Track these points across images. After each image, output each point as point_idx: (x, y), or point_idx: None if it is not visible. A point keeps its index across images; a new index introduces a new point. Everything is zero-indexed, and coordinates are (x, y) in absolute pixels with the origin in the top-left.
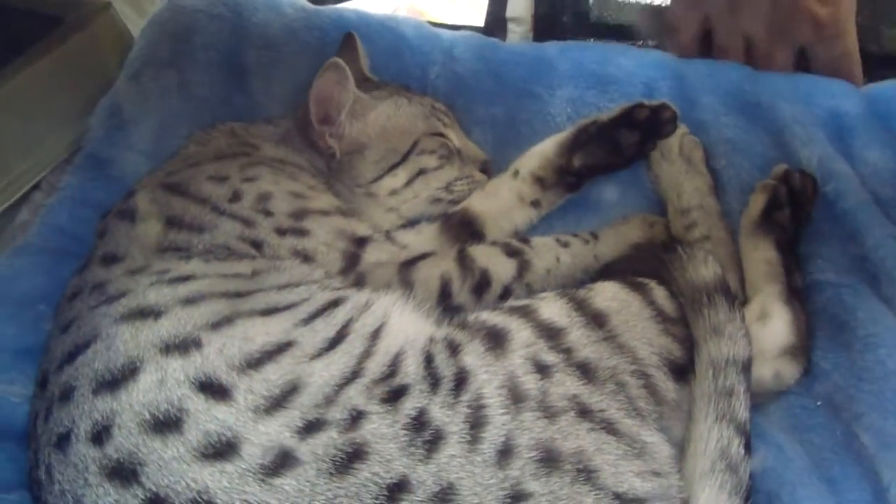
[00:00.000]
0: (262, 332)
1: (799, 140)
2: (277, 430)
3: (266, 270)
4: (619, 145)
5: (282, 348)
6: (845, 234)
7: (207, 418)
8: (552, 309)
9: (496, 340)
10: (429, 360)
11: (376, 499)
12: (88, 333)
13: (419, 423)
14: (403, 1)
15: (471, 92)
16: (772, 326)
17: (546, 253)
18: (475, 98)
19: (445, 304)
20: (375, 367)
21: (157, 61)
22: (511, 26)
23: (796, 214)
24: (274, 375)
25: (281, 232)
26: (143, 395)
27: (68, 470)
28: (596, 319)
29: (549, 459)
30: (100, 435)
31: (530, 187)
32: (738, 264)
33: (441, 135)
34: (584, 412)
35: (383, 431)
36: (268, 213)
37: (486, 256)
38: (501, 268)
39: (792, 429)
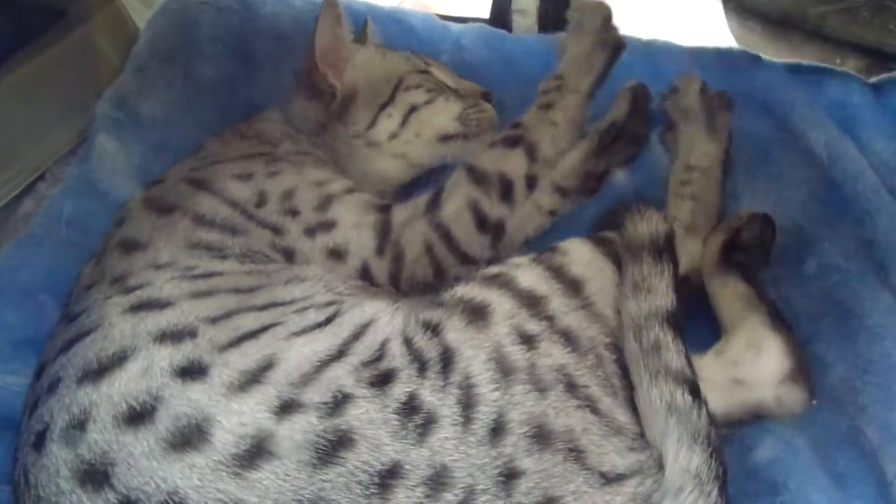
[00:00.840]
0: (252, 321)
1: (807, 122)
2: (252, 409)
3: (282, 270)
4: (639, 135)
5: (266, 328)
6: (853, 217)
7: (180, 402)
8: (529, 277)
9: (477, 314)
10: (408, 342)
11: (367, 489)
12: (93, 322)
13: (410, 407)
14: None
15: (480, 78)
16: (766, 356)
17: (541, 128)
18: (484, 84)
19: (484, 227)
20: (363, 349)
21: (163, 53)
22: (516, 18)
23: (756, 255)
24: (252, 349)
25: (310, 232)
26: (124, 384)
27: (42, 474)
28: (573, 286)
29: (541, 436)
30: (74, 432)
31: (550, 197)
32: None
33: (426, 72)
34: (570, 386)
35: (372, 416)
36: (294, 213)
37: (493, 160)
38: (513, 162)
39: (798, 423)
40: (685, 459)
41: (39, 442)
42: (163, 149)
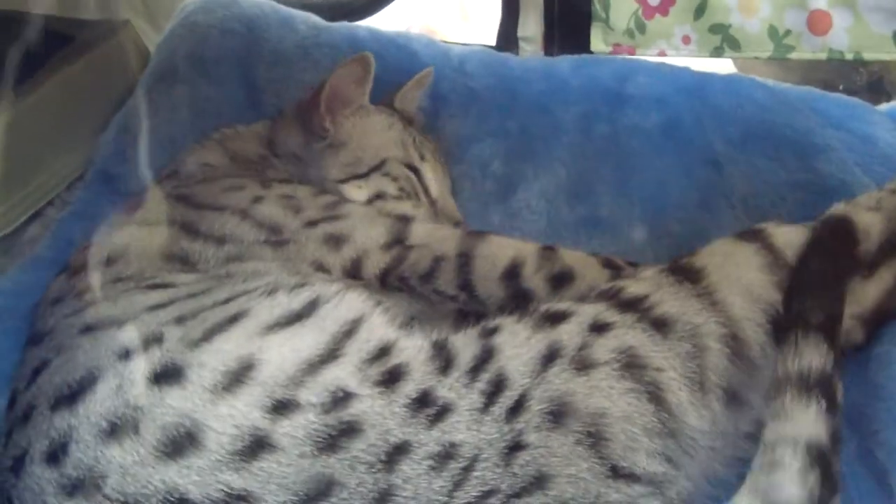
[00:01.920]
0: (219, 313)
1: (827, 162)
2: (243, 410)
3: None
4: None
5: (234, 318)
6: None
7: (163, 410)
8: (641, 286)
9: (551, 319)
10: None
11: (372, 466)
12: (54, 347)
13: (422, 402)
14: (416, 19)
15: (484, 104)
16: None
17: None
18: (488, 110)
19: (508, 285)
20: (359, 346)
21: (169, 77)
22: (522, 45)
23: None
24: (225, 345)
25: (312, 224)
26: (100, 404)
27: (26, 494)
28: (691, 276)
29: (559, 413)
30: (56, 454)
31: None
32: None
33: (415, 169)
34: (630, 366)
35: (378, 410)
36: (297, 210)
37: (576, 258)
38: (590, 272)
39: None
40: None
41: (18, 466)
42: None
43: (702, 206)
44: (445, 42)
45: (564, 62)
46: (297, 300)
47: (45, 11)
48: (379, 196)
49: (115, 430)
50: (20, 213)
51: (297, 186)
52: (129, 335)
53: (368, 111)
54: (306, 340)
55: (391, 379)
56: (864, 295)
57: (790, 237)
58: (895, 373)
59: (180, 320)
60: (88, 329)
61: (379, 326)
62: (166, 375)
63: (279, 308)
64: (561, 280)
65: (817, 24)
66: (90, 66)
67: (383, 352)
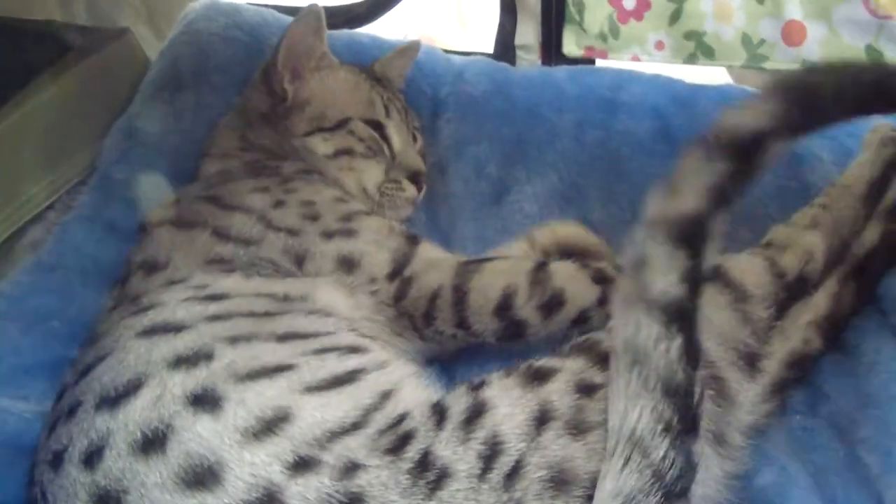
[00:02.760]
0: (271, 353)
1: (811, 173)
2: (264, 462)
3: (298, 297)
4: None
5: (283, 369)
6: None
7: (191, 436)
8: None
9: (537, 377)
10: (437, 406)
11: None
12: (108, 346)
13: (423, 465)
14: (415, 29)
15: (481, 110)
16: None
17: None
18: (485, 116)
19: (502, 317)
20: (382, 419)
21: (173, 84)
22: (520, 53)
23: None
24: (268, 391)
25: (328, 235)
26: (139, 413)
27: (60, 493)
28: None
29: (559, 481)
30: (92, 457)
31: None
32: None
33: (379, 125)
34: None
35: (384, 480)
36: (315, 218)
37: (566, 277)
38: (581, 292)
39: (795, 450)
40: (621, 418)
41: (57, 462)
42: (173, 178)
43: None
44: (446, 51)
45: (561, 71)
46: (344, 366)
47: (45, 18)
48: (346, 152)
49: (146, 443)
50: (21, 215)
51: (320, 189)
52: (184, 344)
53: (334, 67)
54: (342, 407)
55: (400, 445)
56: (815, 303)
57: (744, 266)
58: (886, 381)
59: (234, 341)
60: (146, 333)
61: (408, 394)
62: (204, 401)
63: (325, 371)
64: (552, 306)
65: (791, 34)
66: (90, 72)
67: (400, 418)
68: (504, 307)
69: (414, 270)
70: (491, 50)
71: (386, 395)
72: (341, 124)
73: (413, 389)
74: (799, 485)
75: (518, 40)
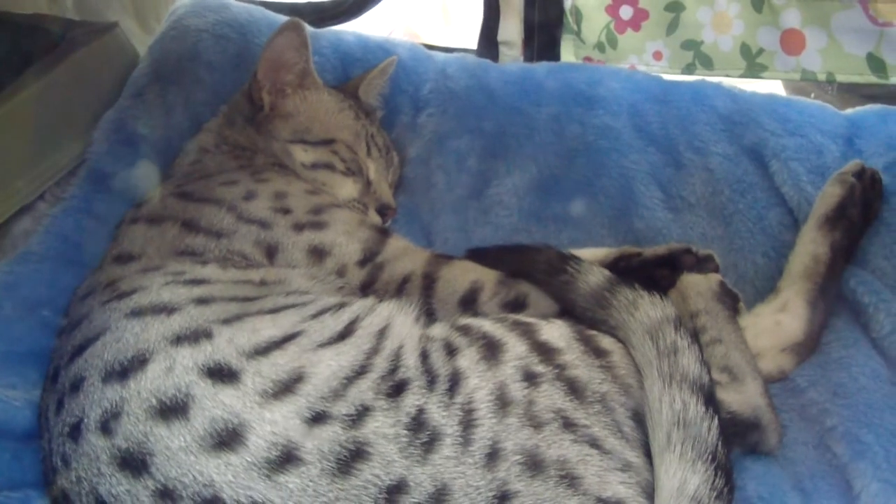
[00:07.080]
0: (270, 326)
1: (779, 172)
2: (284, 418)
3: (274, 281)
4: (655, 279)
5: (289, 338)
6: None
7: (214, 404)
8: (553, 332)
9: (491, 350)
10: (425, 355)
11: (375, 500)
12: (98, 327)
13: (418, 422)
14: (399, 24)
15: (462, 105)
16: (787, 322)
17: None
18: (466, 111)
19: (465, 310)
20: (382, 362)
21: (162, 79)
22: (503, 49)
23: (865, 212)
24: (282, 360)
25: (299, 227)
26: (150, 382)
27: (83, 459)
28: (597, 352)
29: (533, 464)
30: (108, 423)
31: None
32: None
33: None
34: (567, 425)
35: (385, 431)
36: (286, 211)
37: (533, 289)
38: (544, 301)
39: None
40: (680, 479)
41: (75, 433)
42: (161, 172)
43: (664, 204)
44: (430, 47)
45: (541, 68)
46: (340, 320)
47: (34, 11)
48: (326, 166)
49: (164, 409)
50: (10, 206)
51: (291, 180)
52: (178, 324)
53: (319, 87)
54: (351, 353)
55: (397, 391)
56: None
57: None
58: (855, 373)
59: (227, 322)
60: (135, 314)
61: (399, 327)
62: (220, 374)
63: (327, 329)
64: (514, 307)
65: (790, 43)
66: (79, 66)
67: (397, 357)
68: (469, 300)
69: (385, 258)
70: (474, 46)
71: (382, 333)
72: (326, 142)
73: (402, 322)
74: (771, 473)
75: (501, 36)
